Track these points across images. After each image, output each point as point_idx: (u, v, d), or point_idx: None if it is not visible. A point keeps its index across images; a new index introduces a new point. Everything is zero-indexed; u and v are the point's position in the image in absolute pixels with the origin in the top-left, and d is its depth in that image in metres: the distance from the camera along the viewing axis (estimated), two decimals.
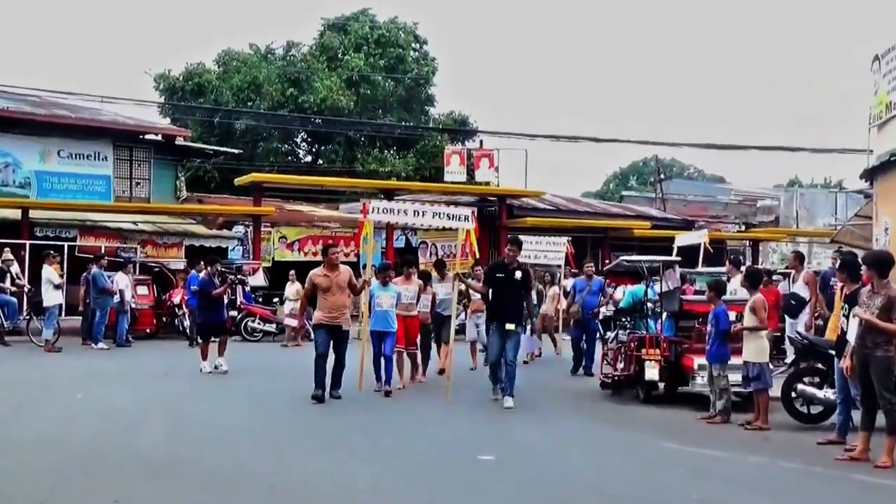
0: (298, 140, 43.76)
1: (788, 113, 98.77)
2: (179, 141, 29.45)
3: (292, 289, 21.13)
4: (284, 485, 7.22)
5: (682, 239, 17.11)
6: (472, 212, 13.39)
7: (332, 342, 11.91)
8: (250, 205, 27.61)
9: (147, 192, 28.15)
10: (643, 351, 12.07)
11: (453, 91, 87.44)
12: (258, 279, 24.19)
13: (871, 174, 16.32)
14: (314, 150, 43.61)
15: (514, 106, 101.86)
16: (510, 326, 11.62)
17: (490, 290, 12.00)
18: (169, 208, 27.12)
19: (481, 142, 37.36)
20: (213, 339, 14.94)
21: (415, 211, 13.37)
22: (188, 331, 20.30)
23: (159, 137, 28.70)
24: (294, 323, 20.38)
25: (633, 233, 28.38)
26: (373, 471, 7.80)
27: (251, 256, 26.02)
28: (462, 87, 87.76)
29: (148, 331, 21.53)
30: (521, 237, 13.88)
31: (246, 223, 27.71)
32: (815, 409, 10.56)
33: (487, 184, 30.99)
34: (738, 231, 31.93)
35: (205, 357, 14.68)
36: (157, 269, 23.59)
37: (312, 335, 13.87)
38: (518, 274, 11.81)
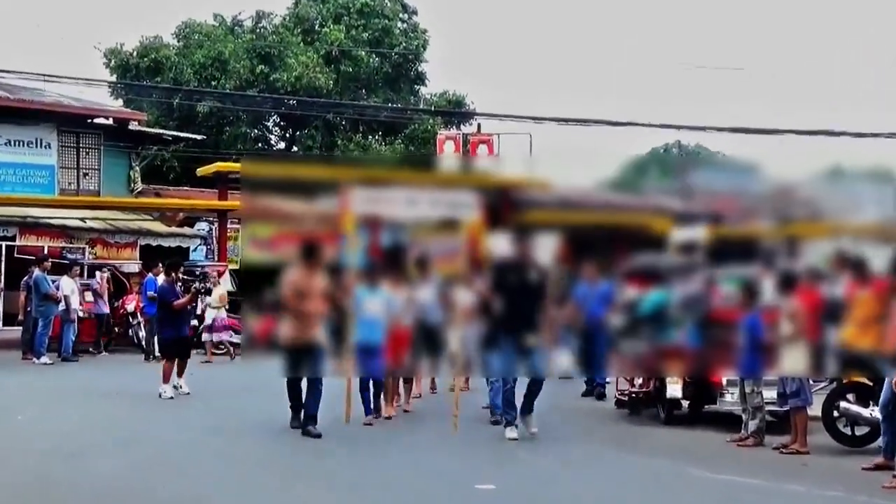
0: (270, 124, 43.62)
1: (830, 90, 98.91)
2: (133, 126, 29.38)
3: (216, 294, 20.25)
4: None
5: (682, 234, 16.32)
6: (480, 199, 12.56)
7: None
8: (215, 198, 27.52)
9: (96, 185, 28.09)
10: None
11: (447, 68, 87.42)
12: (225, 284, 24.14)
13: None
14: (288, 135, 43.49)
15: (517, 85, 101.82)
16: (532, 341, 10.90)
17: (499, 298, 11.15)
18: (122, 203, 27.06)
19: (479, 125, 37.30)
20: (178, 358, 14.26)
21: (407, 199, 12.64)
22: (144, 343, 20.27)
23: (110, 122, 28.65)
24: (220, 337, 19.81)
25: (653, 229, 28.39)
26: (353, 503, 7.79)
27: (216, 258, 25.98)
28: (457, 64, 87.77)
29: (96, 343, 21.46)
30: None
31: (210, 219, 27.66)
32: (861, 431, 10.58)
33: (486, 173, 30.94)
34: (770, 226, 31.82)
35: (167, 379, 14.01)
36: (108, 273, 23.57)
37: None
38: (534, 276, 11.21)
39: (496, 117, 36.35)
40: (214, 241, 27.10)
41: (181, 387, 14.27)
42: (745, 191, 15.03)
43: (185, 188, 32.84)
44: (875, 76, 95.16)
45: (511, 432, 11.04)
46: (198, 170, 28.16)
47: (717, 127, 37.06)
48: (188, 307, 15.17)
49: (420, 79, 43.96)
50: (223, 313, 19.96)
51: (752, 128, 34.71)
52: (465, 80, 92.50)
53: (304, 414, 11.15)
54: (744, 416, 11.01)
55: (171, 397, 13.76)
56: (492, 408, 12.15)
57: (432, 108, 41.87)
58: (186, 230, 27.04)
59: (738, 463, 9.60)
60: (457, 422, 11.34)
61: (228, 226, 26.70)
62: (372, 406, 12.09)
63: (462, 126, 41.10)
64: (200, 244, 27.28)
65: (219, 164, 28.01)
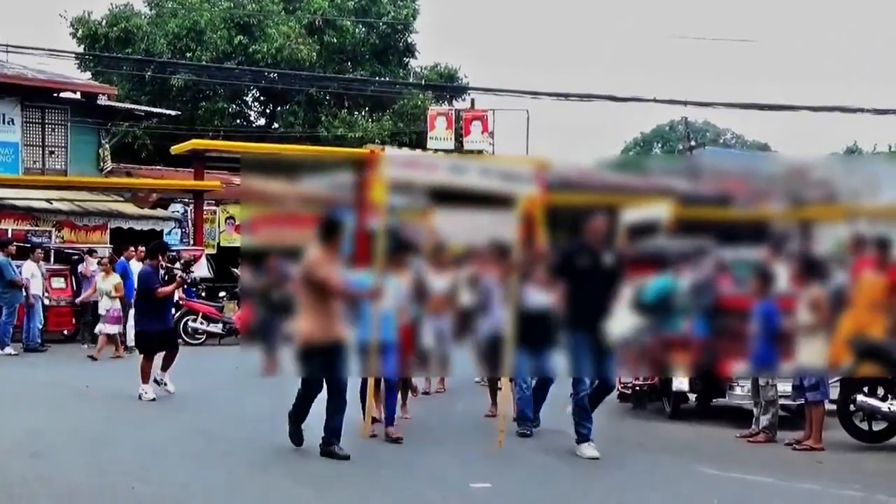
0: (249, 99, 43.52)
1: (848, 66, 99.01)
2: (103, 100, 29.30)
3: (111, 283, 19.06)
4: None
5: (636, 213, 14.86)
6: (537, 169, 10.98)
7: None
8: (190, 178, 27.51)
9: (63, 163, 28.02)
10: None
11: (438, 40, 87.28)
12: (201, 269, 24.13)
13: None
14: (268, 111, 43.40)
15: (513, 58, 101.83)
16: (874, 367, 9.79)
17: (567, 287, 10.01)
18: (90, 182, 27.00)
19: (472, 101, 37.31)
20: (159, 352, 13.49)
21: (452, 166, 10.89)
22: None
23: (78, 96, 28.56)
24: (113, 330, 18.80)
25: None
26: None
27: (192, 241, 25.98)
28: (449, 35, 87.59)
29: (65, 332, 21.46)
30: None
31: (185, 200, 27.61)
32: (878, 426, 10.62)
33: (480, 153, 30.96)
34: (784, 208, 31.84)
35: (147, 379, 13.17)
36: (76, 257, 23.48)
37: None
38: (609, 260, 10.09)
39: (491, 92, 36.34)
40: (190, 224, 27.05)
41: (164, 383, 13.45)
42: (756, 171, 14.95)
43: (159, 167, 32.79)
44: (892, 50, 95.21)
45: (589, 449, 9.89)
46: (172, 148, 28.13)
47: (726, 103, 37.13)
48: (172, 297, 14.38)
49: (409, 51, 43.85)
50: (118, 304, 19.22)
51: (762, 104, 34.76)
52: (458, 52, 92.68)
53: (326, 429, 9.62)
54: (755, 411, 11.05)
55: (153, 398, 13.02)
56: (519, 417, 11.17)
57: (423, 83, 41.82)
58: (160, 212, 26.98)
59: (749, 460, 9.64)
60: (502, 438, 10.11)
61: (205, 207, 26.66)
62: (385, 416, 10.79)
63: (454, 101, 41.07)
64: (175, 227, 27.23)
65: (194, 141, 28.01)
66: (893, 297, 9.86)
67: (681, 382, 12.03)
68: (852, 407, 10.58)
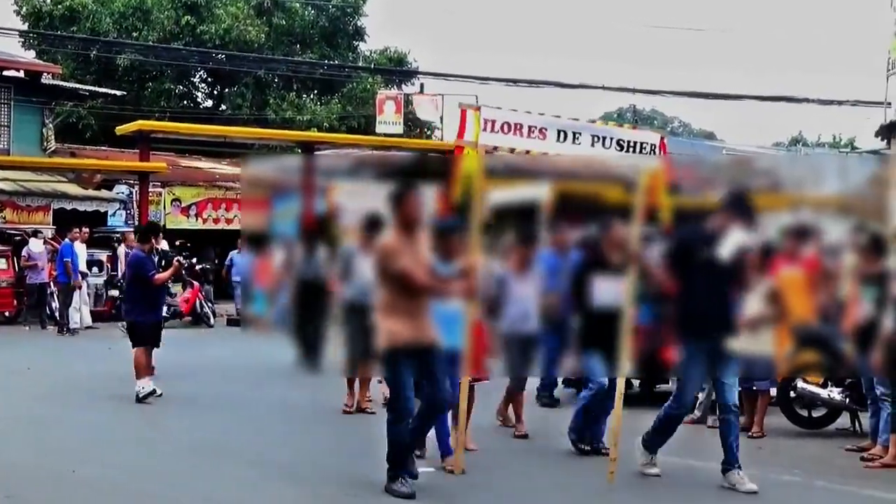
0: (196, 80, 43.16)
1: (792, 58, 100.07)
2: (47, 79, 28.92)
3: None
4: None
5: (508, 194, 13.17)
6: (661, 139, 9.65)
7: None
8: (136, 159, 27.27)
9: (6, 143, 27.63)
10: None
11: (388, 23, 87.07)
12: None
13: (888, 131, 16.61)
14: (216, 92, 43.06)
15: (463, 42, 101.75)
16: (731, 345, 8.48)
17: (682, 282, 8.39)
18: (34, 162, 26.67)
19: (422, 85, 37.31)
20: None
21: (563, 131, 9.14)
22: (58, 315, 20.05)
23: (21, 74, 28.14)
24: None
25: (605, 197, 28.53)
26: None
27: (137, 222, 25.73)
28: (399, 19, 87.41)
29: (7, 314, 21.25)
30: None
31: (130, 182, 27.37)
32: (818, 413, 10.79)
33: (430, 132, 30.93)
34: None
35: (144, 373, 12.00)
36: (18, 238, 23.16)
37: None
38: (729, 250, 8.30)
39: (440, 77, 36.43)
40: (135, 206, 26.81)
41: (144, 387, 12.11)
42: (702, 159, 14.98)
43: (104, 148, 32.47)
44: (837, 42, 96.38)
45: (650, 466, 8.73)
46: (117, 128, 27.86)
47: (674, 91, 37.47)
48: (166, 285, 13.35)
49: (359, 34, 43.67)
50: None
51: (709, 92, 35.09)
52: (408, 36, 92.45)
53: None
54: (700, 396, 11.13)
55: (155, 393, 11.86)
56: (579, 432, 9.66)
57: (372, 66, 41.69)
58: (104, 193, 26.76)
59: (696, 447, 9.68)
60: (614, 468, 8.45)
61: (150, 189, 26.45)
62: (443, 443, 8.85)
63: (404, 86, 40.98)
64: (119, 208, 27.03)
65: (140, 122, 27.78)
66: (814, 285, 9.92)
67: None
68: (793, 393, 10.72)
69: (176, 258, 13.85)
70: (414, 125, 36.05)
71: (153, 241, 12.53)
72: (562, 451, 9.41)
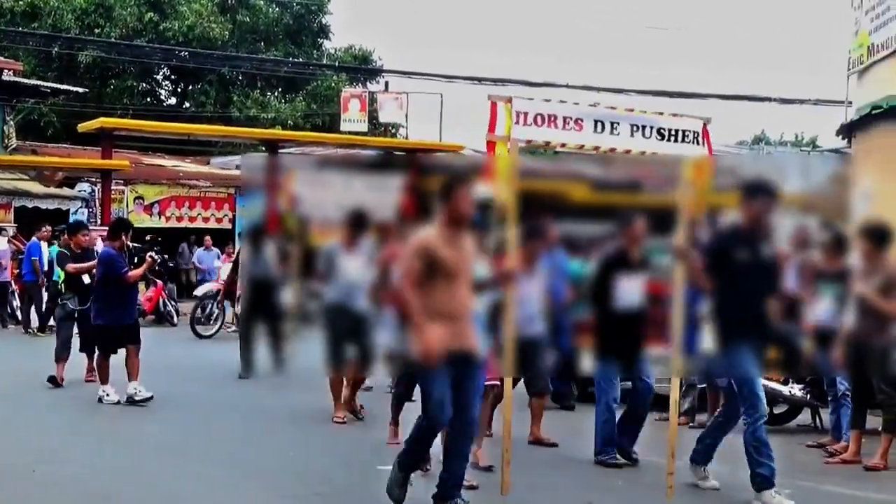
0: (160, 77, 42.94)
1: (757, 57, 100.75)
2: (7, 76, 28.67)
3: None
4: None
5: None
6: (703, 125, 8.98)
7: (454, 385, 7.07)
8: (98, 157, 27.06)
9: None
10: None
11: (353, 21, 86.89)
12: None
13: (848, 130, 16.74)
14: (179, 90, 42.86)
15: (428, 41, 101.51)
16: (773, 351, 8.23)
17: (720, 283, 7.92)
18: None
19: (387, 83, 37.28)
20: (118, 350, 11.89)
21: (600, 122, 8.50)
22: (20, 313, 19.91)
23: None
24: None
25: (570, 196, 28.66)
26: None
27: (99, 221, 25.55)
28: (364, 17, 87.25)
29: None
30: None
31: (92, 180, 27.19)
32: (779, 409, 10.88)
33: (395, 130, 30.91)
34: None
35: (106, 378, 11.60)
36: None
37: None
38: (769, 250, 7.99)
39: (405, 75, 36.36)
40: (97, 204, 26.63)
41: (140, 391, 11.56)
42: (666, 158, 14.92)
43: (65, 145, 32.23)
44: (799, 40, 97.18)
45: (706, 480, 8.34)
46: (79, 126, 27.66)
47: (638, 89, 37.62)
48: (139, 283, 12.79)
49: (323, 32, 43.61)
50: None
51: (674, 91, 35.27)
52: (372, 34, 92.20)
53: (446, 471, 7.18)
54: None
55: (118, 401, 11.44)
56: (608, 444, 9.19)
57: (336, 64, 41.63)
58: (66, 191, 26.57)
59: (661, 444, 9.71)
60: (672, 483, 7.98)
61: (112, 187, 26.28)
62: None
63: (368, 84, 40.95)
64: (81, 206, 26.81)
65: (102, 119, 27.59)
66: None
67: (588, 366, 12.13)
68: None
69: (148, 254, 13.05)
70: (379, 123, 36.02)
71: (123, 237, 11.90)
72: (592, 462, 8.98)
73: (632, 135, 8.52)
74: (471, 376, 7.13)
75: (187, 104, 41.11)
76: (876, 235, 8.77)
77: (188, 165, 31.38)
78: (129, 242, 12.23)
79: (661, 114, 8.97)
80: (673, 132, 8.62)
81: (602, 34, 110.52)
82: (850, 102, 16.55)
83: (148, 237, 23.43)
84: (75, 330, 12.74)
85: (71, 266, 12.64)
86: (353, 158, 25.47)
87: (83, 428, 10.27)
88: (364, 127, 32.73)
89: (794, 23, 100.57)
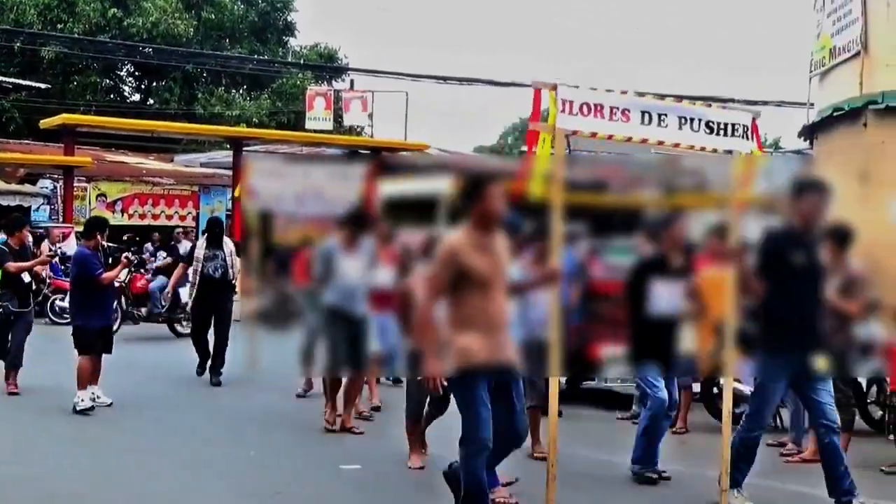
0: (123, 74, 42.69)
1: (718, 58, 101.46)
2: None
3: None
4: None
5: (405, 186, 10.82)
6: (753, 119, 8.40)
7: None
8: (60, 153, 26.89)
9: None
10: None
11: (318, 18, 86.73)
12: (69, 247, 23.61)
13: (810, 131, 16.88)
14: (143, 86, 42.63)
15: (394, 39, 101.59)
16: (823, 362, 7.75)
17: (773, 287, 7.58)
18: None
19: (352, 81, 37.26)
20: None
21: (647, 113, 7.90)
22: None
23: None
24: None
25: (534, 196, 28.82)
26: None
27: (61, 218, 25.40)
28: (329, 14, 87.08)
29: None
30: None
31: (54, 176, 27.01)
32: (741, 409, 10.94)
33: (360, 131, 30.88)
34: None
35: (85, 384, 11.00)
36: None
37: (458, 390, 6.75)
38: (820, 253, 7.80)
39: (370, 73, 36.33)
40: (59, 201, 26.46)
41: (97, 396, 11.15)
42: (630, 158, 15.01)
43: (27, 141, 32.02)
44: (761, 42, 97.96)
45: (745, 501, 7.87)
46: (41, 122, 27.47)
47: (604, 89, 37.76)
48: (114, 284, 12.10)
49: (289, 29, 43.52)
50: None
51: (640, 91, 35.47)
52: (338, 32, 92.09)
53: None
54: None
55: (91, 408, 10.84)
56: (644, 461, 8.74)
57: (302, 62, 41.54)
58: (28, 188, 26.35)
59: (625, 444, 9.76)
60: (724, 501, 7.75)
61: (75, 184, 26.11)
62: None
63: (334, 82, 40.90)
64: (43, 203, 26.65)
65: (65, 115, 27.39)
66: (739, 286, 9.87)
67: None
68: (715, 390, 10.87)
69: (124, 255, 12.38)
70: (342, 120, 35.98)
71: (98, 237, 11.25)
72: (622, 479, 8.63)
73: (679, 127, 7.95)
74: (512, 392, 6.73)
75: (151, 101, 40.90)
76: (837, 236, 8.84)
77: (151, 163, 31.22)
78: (104, 242, 11.64)
79: (710, 105, 8.55)
80: (722, 126, 8.09)
81: (581, 32, 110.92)
82: (812, 104, 16.69)
83: (126, 237, 23.24)
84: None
85: (12, 265, 11.85)
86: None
87: (49, 429, 10.13)
88: (329, 125, 32.68)
89: (758, 25, 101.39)
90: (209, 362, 13.19)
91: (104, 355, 11.24)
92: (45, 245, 21.53)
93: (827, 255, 8.84)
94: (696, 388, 11.01)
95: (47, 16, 36.92)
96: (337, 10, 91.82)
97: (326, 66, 41.47)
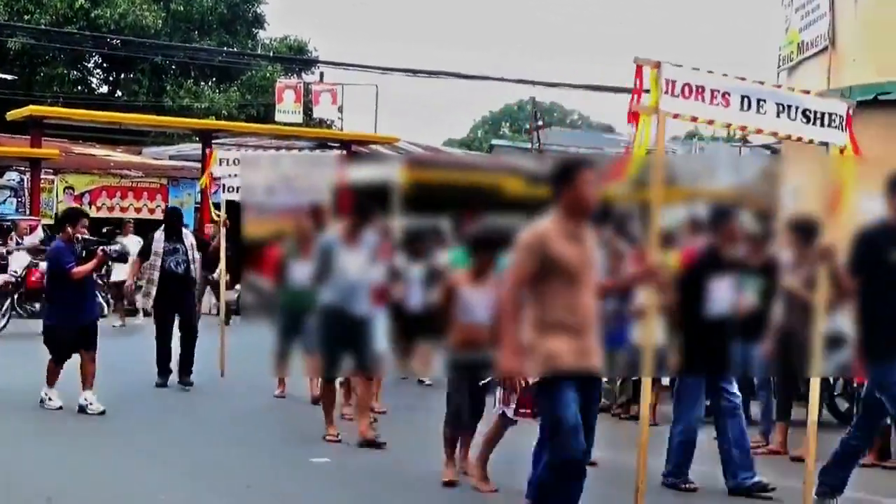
0: (91, 66, 42.41)
1: (701, 53, 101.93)
2: None
3: None
4: None
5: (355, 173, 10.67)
6: (848, 110, 7.76)
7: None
8: (27, 146, 26.70)
9: None
10: None
11: (288, 11, 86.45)
12: (36, 240, 23.45)
13: None
14: (111, 78, 42.38)
15: (364, 32, 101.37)
16: None
17: (870, 285, 7.28)
18: None
19: (322, 74, 37.10)
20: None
21: (747, 97, 7.27)
22: None
23: None
24: None
25: (505, 190, 28.81)
26: None
27: (28, 211, 25.23)
28: (299, 7, 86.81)
29: None
30: None
31: (21, 168, 26.82)
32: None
33: (330, 124, 30.81)
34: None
35: (53, 381, 10.76)
36: None
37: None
38: None
39: (340, 66, 36.29)
40: (26, 193, 26.27)
41: (90, 403, 10.63)
42: (601, 151, 15.06)
43: None
44: (729, 37, 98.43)
45: None
46: (8, 113, 27.30)
47: (572, 84, 37.94)
48: (92, 277, 11.41)
49: (258, 22, 43.38)
50: None
51: (609, 86, 35.55)
52: (308, 25, 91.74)
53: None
54: (617, 387, 11.44)
55: (60, 407, 10.65)
56: (678, 473, 8.45)
57: (271, 54, 41.42)
58: None
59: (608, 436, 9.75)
60: None
61: (42, 176, 25.95)
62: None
63: (303, 74, 40.78)
64: (10, 196, 26.49)
65: (31, 107, 27.25)
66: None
67: None
68: None
69: (100, 248, 11.23)
70: (313, 117, 35.91)
71: (70, 229, 10.61)
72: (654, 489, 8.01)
73: (777, 115, 7.42)
74: (594, 400, 6.49)
75: (119, 93, 40.67)
76: (804, 229, 8.91)
77: (120, 155, 31.03)
78: (79, 234, 10.76)
79: (808, 92, 8.06)
80: (818, 115, 7.56)
81: (563, 27, 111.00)
82: None
83: (105, 229, 23.04)
84: None
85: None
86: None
87: (24, 430, 10.04)
88: (299, 118, 32.58)
89: (727, 20, 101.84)
90: (178, 366, 12.59)
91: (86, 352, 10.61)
92: (14, 238, 21.40)
93: (792, 248, 8.93)
94: (665, 381, 11.04)
95: (14, 6, 36.64)
96: (306, 3, 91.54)
97: (296, 59, 41.37)
